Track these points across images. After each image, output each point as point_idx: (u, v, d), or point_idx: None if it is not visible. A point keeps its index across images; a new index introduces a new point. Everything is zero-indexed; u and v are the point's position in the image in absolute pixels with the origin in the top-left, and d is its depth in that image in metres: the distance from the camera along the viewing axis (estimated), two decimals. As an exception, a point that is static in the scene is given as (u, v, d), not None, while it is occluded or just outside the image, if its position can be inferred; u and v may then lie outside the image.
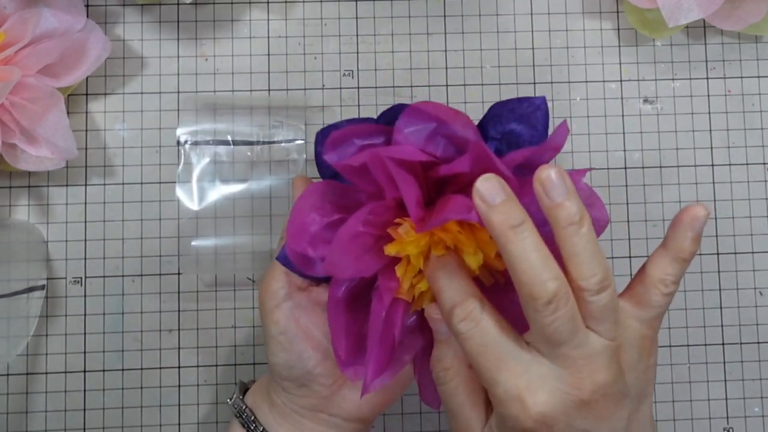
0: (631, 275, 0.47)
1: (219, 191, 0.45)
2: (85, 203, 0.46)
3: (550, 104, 0.48)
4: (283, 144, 0.45)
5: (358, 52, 0.48)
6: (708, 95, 0.48)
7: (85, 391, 0.45)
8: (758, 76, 0.48)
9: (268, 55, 0.47)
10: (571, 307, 0.28)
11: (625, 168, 0.48)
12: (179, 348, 0.46)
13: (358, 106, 0.47)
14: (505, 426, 0.29)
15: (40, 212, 0.46)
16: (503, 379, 0.29)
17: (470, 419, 0.32)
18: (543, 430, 0.28)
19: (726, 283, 0.47)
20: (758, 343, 0.47)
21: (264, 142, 0.45)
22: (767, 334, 0.47)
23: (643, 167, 0.48)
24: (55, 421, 0.45)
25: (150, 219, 0.46)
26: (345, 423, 0.37)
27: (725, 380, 0.47)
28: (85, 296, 0.46)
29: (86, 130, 0.46)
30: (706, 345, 0.47)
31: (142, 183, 0.46)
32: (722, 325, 0.47)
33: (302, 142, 0.46)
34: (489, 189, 0.28)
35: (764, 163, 0.48)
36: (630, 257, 0.47)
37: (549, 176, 0.28)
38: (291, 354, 0.36)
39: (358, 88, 0.47)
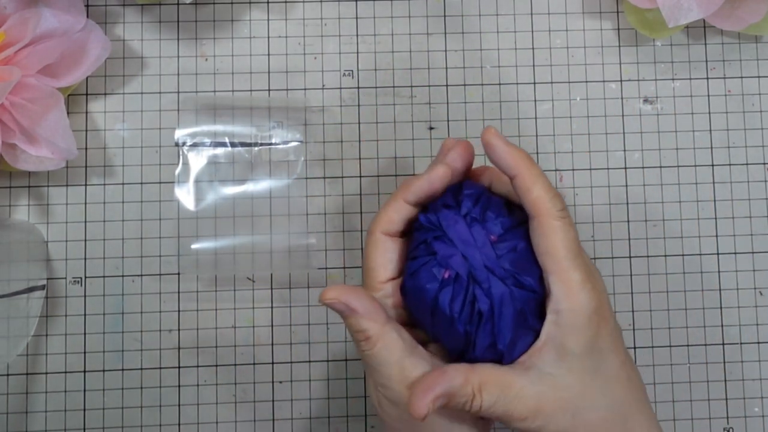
0: (631, 275, 0.47)
1: (218, 192, 0.45)
2: (85, 203, 0.46)
3: (549, 104, 0.48)
4: (281, 146, 0.45)
5: (358, 52, 0.48)
6: (708, 95, 0.48)
7: (85, 391, 0.45)
8: (758, 76, 0.48)
9: (268, 55, 0.47)
10: None
11: (625, 168, 0.48)
12: (179, 348, 0.46)
13: (358, 106, 0.47)
14: (576, 316, 0.33)
15: (40, 212, 0.46)
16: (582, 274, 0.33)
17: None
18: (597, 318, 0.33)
19: (726, 283, 0.47)
20: (758, 343, 0.47)
21: (263, 144, 0.45)
22: (767, 334, 0.47)
23: (643, 167, 0.48)
24: (55, 421, 0.45)
25: (150, 219, 0.46)
26: None
27: (725, 380, 0.47)
28: (85, 296, 0.46)
29: (86, 130, 0.46)
30: (706, 345, 0.47)
31: (142, 183, 0.46)
32: (722, 325, 0.47)
33: (301, 143, 0.46)
34: (496, 135, 0.35)
35: (764, 163, 0.48)
36: (630, 257, 0.47)
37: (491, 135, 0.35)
38: None
39: (358, 88, 0.47)
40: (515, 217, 0.35)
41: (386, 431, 0.36)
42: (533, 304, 0.34)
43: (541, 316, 0.34)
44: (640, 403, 0.35)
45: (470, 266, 0.34)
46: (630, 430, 0.34)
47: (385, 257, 0.36)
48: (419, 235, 0.35)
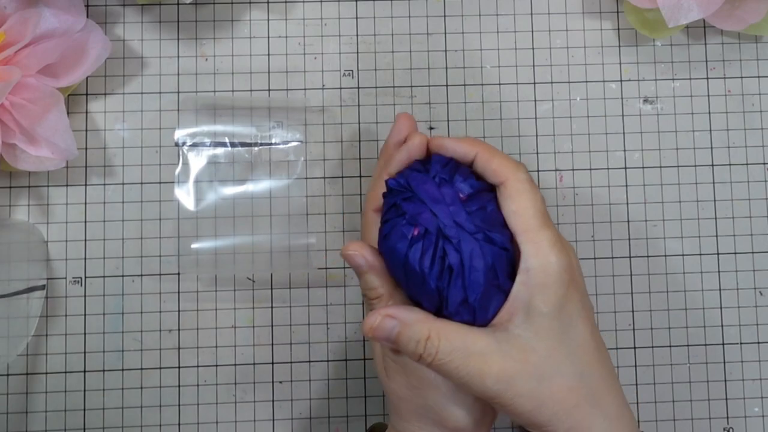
0: (631, 275, 0.47)
1: (218, 192, 0.45)
2: (85, 203, 0.46)
3: (549, 104, 0.48)
4: (281, 146, 0.45)
5: (358, 52, 0.48)
6: (708, 95, 0.48)
7: (85, 391, 0.45)
8: (758, 76, 0.48)
9: (268, 55, 0.47)
10: None
11: (625, 168, 0.48)
12: (179, 348, 0.46)
13: (358, 106, 0.47)
14: (546, 273, 0.33)
15: (40, 212, 0.46)
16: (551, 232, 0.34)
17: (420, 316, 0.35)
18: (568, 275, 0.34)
19: (726, 283, 0.47)
20: (758, 343, 0.47)
21: (262, 144, 0.45)
22: (767, 334, 0.47)
23: (643, 167, 0.48)
24: (55, 421, 0.45)
25: (150, 219, 0.46)
26: None
27: (725, 380, 0.47)
28: (85, 296, 0.46)
29: (86, 130, 0.46)
30: (706, 345, 0.47)
31: (142, 183, 0.46)
32: (722, 325, 0.47)
33: (300, 143, 0.46)
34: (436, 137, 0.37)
35: (764, 163, 0.48)
36: (630, 257, 0.47)
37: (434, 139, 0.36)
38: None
39: (358, 88, 0.47)
40: (484, 182, 0.35)
41: (392, 401, 0.36)
42: (504, 262, 0.34)
43: (512, 276, 0.34)
44: (610, 379, 0.34)
45: (439, 222, 0.34)
46: (599, 406, 0.33)
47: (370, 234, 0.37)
48: (389, 199, 0.36)
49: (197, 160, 0.45)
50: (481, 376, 0.33)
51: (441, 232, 0.34)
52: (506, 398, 0.33)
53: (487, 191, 0.35)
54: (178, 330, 0.46)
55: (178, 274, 0.46)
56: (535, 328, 0.33)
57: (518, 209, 0.34)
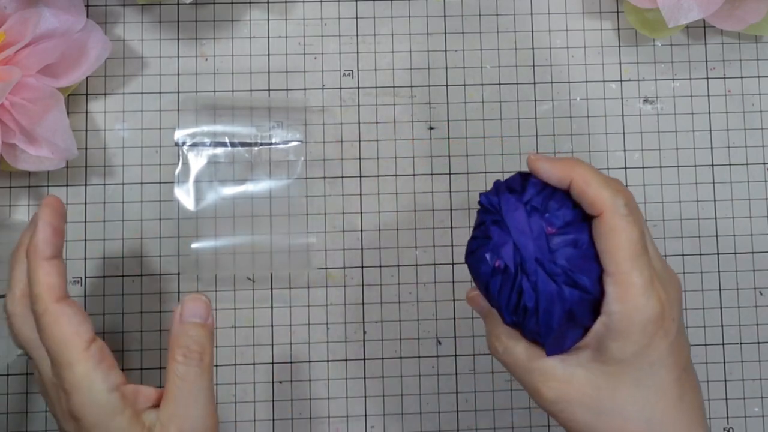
0: (631, 275, 0.47)
1: (218, 192, 0.45)
2: (85, 203, 0.46)
3: (549, 104, 0.48)
4: (281, 146, 0.45)
5: (358, 52, 0.48)
6: (708, 95, 0.48)
7: (85, 391, 0.45)
8: (758, 76, 0.48)
9: (268, 55, 0.47)
10: None
11: (625, 168, 0.48)
12: (179, 348, 0.46)
13: (358, 106, 0.47)
14: (631, 321, 0.31)
15: (40, 212, 0.46)
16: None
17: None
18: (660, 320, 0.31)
19: (726, 283, 0.47)
20: (758, 343, 0.47)
21: (262, 144, 0.45)
22: (767, 334, 0.47)
23: (643, 167, 0.48)
24: (55, 421, 0.45)
25: (150, 219, 0.46)
26: None
27: (725, 380, 0.47)
28: (85, 296, 0.46)
29: (86, 130, 0.46)
30: (706, 345, 0.47)
31: (142, 183, 0.46)
32: (722, 325, 0.47)
33: (300, 143, 0.46)
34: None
35: (764, 163, 0.48)
36: (630, 257, 0.47)
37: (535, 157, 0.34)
38: None
39: (358, 88, 0.47)
40: (581, 211, 0.33)
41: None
42: (586, 306, 0.32)
43: (596, 315, 0.32)
44: (690, 426, 0.32)
45: (521, 257, 0.32)
46: None
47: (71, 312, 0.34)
48: (481, 215, 0.34)
49: (197, 160, 0.45)
50: (538, 393, 0.33)
51: (521, 268, 0.32)
52: (560, 419, 0.33)
53: (583, 221, 0.33)
54: (178, 330, 0.46)
55: (178, 274, 0.46)
56: (606, 368, 0.32)
57: (609, 248, 0.31)
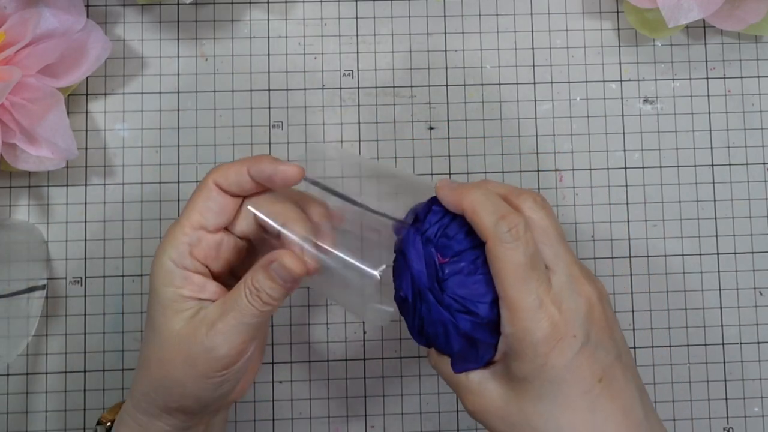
0: (631, 275, 0.47)
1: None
2: (85, 203, 0.46)
3: (549, 104, 0.48)
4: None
5: (358, 52, 0.48)
6: (708, 95, 0.48)
7: (85, 391, 0.45)
8: (758, 76, 0.48)
9: (268, 55, 0.47)
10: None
11: (625, 168, 0.48)
12: (179, 348, 0.46)
13: (358, 106, 0.47)
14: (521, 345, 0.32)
15: (40, 212, 0.46)
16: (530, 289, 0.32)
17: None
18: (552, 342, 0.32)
19: (726, 283, 0.47)
20: (758, 343, 0.47)
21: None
22: (767, 334, 0.47)
23: (643, 167, 0.48)
24: (55, 421, 0.45)
25: (150, 219, 0.46)
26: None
27: (725, 380, 0.47)
28: (85, 296, 0.46)
29: (86, 130, 0.46)
30: (706, 345, 0.47)
31: (142, 183, 0.46)
32: (722, 325, 0.47)
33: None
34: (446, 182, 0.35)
35: (764, 163, 0.48)
36: (630, 257, 0.47)
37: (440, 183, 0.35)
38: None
39: (358, 88, 0.47)
40: (478, 238, 0.34)
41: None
42: (485, 328, 0.33)
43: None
44: None
45: (418, 288, 0.34)
46: None
47: (205, 205, 0.35)
48: (396, 242, 0.36)
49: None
50: (463, 403, 0.35)
51: (419, 297, 0.34)
52: (485, 428, 0.34)
53: (478, 247, 0.34)
54: (178, 330, 0.46)
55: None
56: (513, 383, 0.33)
57: (495, 274, 0.32)
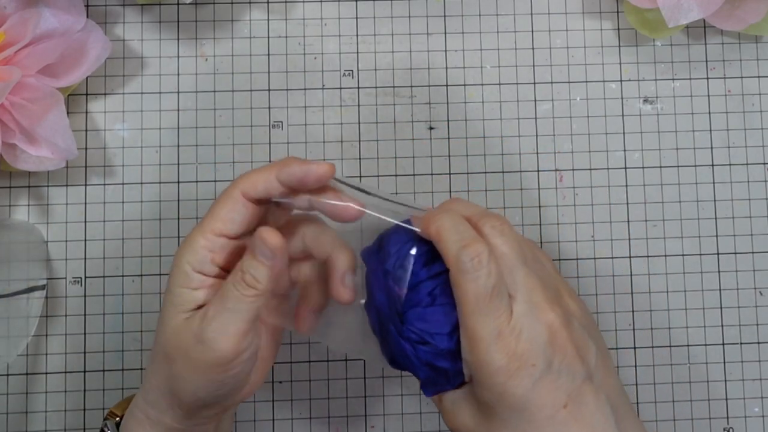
0: (631, 275, 0.47)
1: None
2: (85, 203, 0.46)
3: (549, 104, 0.48)
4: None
5: (358, 52, 0.48)
6: (708, 95, 0.48)
7: (85, 391, 0.45)
8: (758, 76, 0.48)
9: (268, 55, 0.47)
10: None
11: (625, 168, 0.48)
12: (179, 348, 0.46)
13: (358, 106, 0.47)
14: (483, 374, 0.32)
15: (40, 212, 0.46)
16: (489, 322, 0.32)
17: None
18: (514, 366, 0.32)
19: (726, 283, 0.47)
20: (758, 343, 0.47)
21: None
22: (767, 334, 0.47)
23: (643, 167, 0.48)
24: (55, 421, 0.45)
25: (150, 219, 0.46)
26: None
27: (725, 380, 0.47)
28: (85, 296, 0.46)
29: (86, 130, 0.46)
30: (706, 345, 0.47)
31: (142, 183, 0.46)
32: (722, 325, 0.47)
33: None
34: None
35: (764, 163, 0.48)
36: (630, 257, 0.47)
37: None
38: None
39: (358, 88, 0.47)
40: (437, 266, 0.34)
41: None
42: (446, 357, 0.33)
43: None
44: None
45: (381, 321, 0.34)
46: None
47: (230, 215, 0.34)
48: (366, 271, 0.36)
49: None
50: (444, 420, 0.35)
51: (384, 329, 0.34)
52: None
53: (438, 276, 0.34)
54: (178, 330, 0.46)
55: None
56: (480, 406, 0.33)
57: (457, 301, 0.32)
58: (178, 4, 0.47)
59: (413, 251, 0.34)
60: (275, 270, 0.34)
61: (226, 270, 0.35)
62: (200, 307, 0.34)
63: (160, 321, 0.35)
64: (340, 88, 0.47)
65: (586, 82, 0.48)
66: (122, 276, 0.46)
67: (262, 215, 0.36)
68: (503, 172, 0.47)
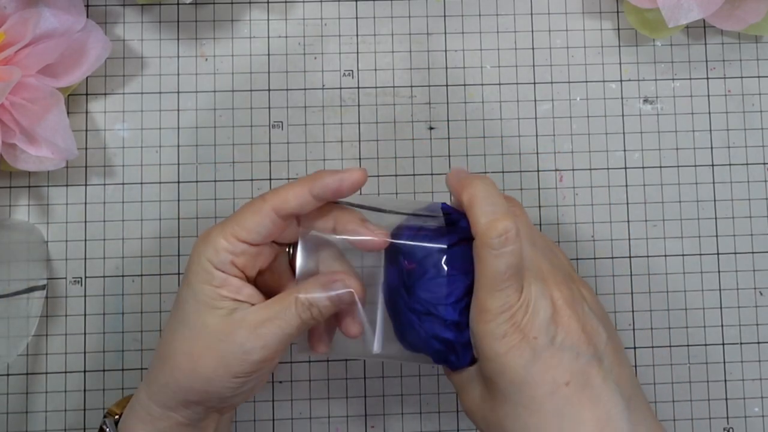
0: (631, 275, 0.47)
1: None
2: (85, 203, 0.46)
3: (549, 104, 0.48)
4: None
5: (358, 52, 0.48)
6: (708, 95, 0.48)
7: (85, 391, 0.45)
8: (758, 76, 0.48)
9: (268, 55, 0.47)
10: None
11: (625, 168, 0.48)
12: (179, 348, 0.46)
13: (358, 106, 0.47)
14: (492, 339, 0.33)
15: (40, 212, 0.46)
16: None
17: None
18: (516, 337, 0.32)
19: (726, 283, 0.47)
20: (758, 343, 0.47)
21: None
22: (767, 334, 0.47)
23: (643, 167, 0.48)
24: (55, 421, 0.45)
25: (150, 219, 0.46)
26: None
27: (725, 380, 0.47)
28: (85, 296, 0.46)
29: (86, 130, 0.46)
30: (706, 345, 0.47)
31: (142, 183, 0.46)
32: (722, 325, 0.47)
33: None
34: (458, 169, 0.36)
35: (764, 163, 0.48)
36: (630, 257, 0.47)
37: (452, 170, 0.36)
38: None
39: (358, 88, 0.47)
40: (445, 240, 0.34)
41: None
42: (451, 328, 0.34)
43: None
44: None
45: (392, 297, 0.35)
46: None
47: (257, 228, 0.35)
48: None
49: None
50: (459, 399, 0.36)
51: (394, 305, 0.35)
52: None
53: (443, 252, 0.34)
54: (178, 330, 0.46)
55: (178, 274, 0.46)
56: (487, 384, 0.34)
57: (476, 272, 0.33)
58: (178, 4, 0.47)
59: (423, 227, 0.35)
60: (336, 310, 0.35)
61: (242, 271, 0.35)
62: (227, 306, 0.34)
63: (180, 320, 0.35)
64: (340, 88, 0.47)
65: (586, 82, 0.48)
66: (122, 276, 0.46)
67: (284, 229, 0.36)
68: (503, 172, 0.47)
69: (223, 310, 0.34)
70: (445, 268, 0.34)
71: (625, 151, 0.48)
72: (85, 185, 0.46)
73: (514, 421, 0.32)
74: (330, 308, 0.35)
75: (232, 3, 0.47)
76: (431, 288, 0.34)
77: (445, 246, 0.34)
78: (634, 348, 0.47)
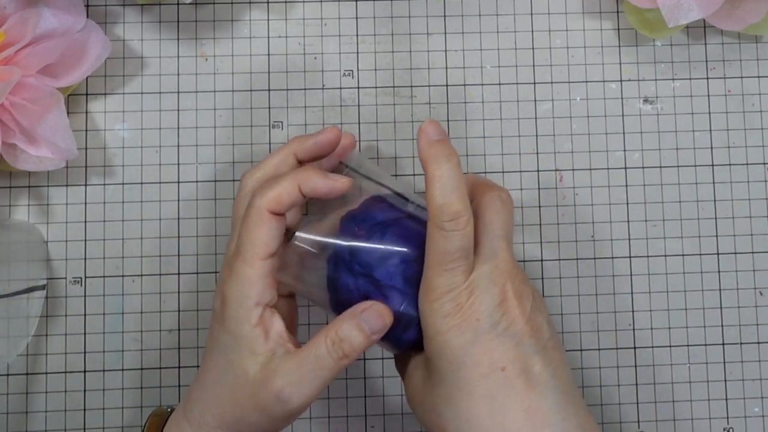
0: (631, 275, 0.47)
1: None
2: (85, 203, 0.46)
3: (549, 104, 0.48)
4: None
5: (358, 52, 0.48)
6: (708, 95, 0.48)
7: (85, 391, 0.45)
8: (758, 76, 0.48)
9: (268, 55, 0.47)
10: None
11: (625, 168, 0.48)
12: (179, 348, 0.46)
13: (358, 106, 0.47)
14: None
15: (40, 212, 0.46)
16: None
17: None
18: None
19: (726, 283, 0.47)
20: (758, 343, 0.47)
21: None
22: (767, 334, 0.47)
23: (643, 167, 0.48)
24: (55, 421, 0.45)
25: (150, 219, 0.46)
26: None
27: (725, 380, 0.47)
28: (85, 296, 0.46)
29: (86, 130, 0.46)
30: (706, 345, 0.47)
31: (142, 183, 0.46)
32: (722, 325, 0.47)
33: None
34: (432, 128, 0.35)
35: (764, 163, 0.48)
36: (630, 257, 0.47)
37: (426, 126, 0.35)
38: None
39: (358, 88, 0.47)
40: (396, 212, 0.36)
41: None
42: (383, 291, 0.35)
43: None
44: (505, 428, 0.32)
45: (336, 260, 0.36)
46: None
47: (269, 236, 0.34)
48: None
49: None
50: (405, 389, 0.37)
51: (336, 268, 0.36)
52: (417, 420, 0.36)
53: (394, 223, 0.36)
54: (178, 330, 0.46)
55: (178, 274, 0.46)
56: (428, 367, 0.34)
57: (427, 248, 0.34)
58: (178, 4, 0.47)
59: (392, 205, 0.37)
60: (372, 344, 0.35)
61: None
62: (266, 352, 0.34)
63: (222, 365, 0.35)
64: (340, 88, 0.47)
65: (586, 82, 0.48)
66: (122, 276, 0.46)
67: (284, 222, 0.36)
68: (503, 172, 0.47)
69: (263, 357, 0.34)
70: (390, 237, 0.35)
71: (625, 151, 0.48)
72: (85, 185, 0.46)
73: (447, 403, 0.33)
74: (363, 342, 0.34)
75: (232, 3, 0.47)
76: (372, 252, 0.35)
77: (397, 217, 0.36)
78: (634, 348, 0.47)
